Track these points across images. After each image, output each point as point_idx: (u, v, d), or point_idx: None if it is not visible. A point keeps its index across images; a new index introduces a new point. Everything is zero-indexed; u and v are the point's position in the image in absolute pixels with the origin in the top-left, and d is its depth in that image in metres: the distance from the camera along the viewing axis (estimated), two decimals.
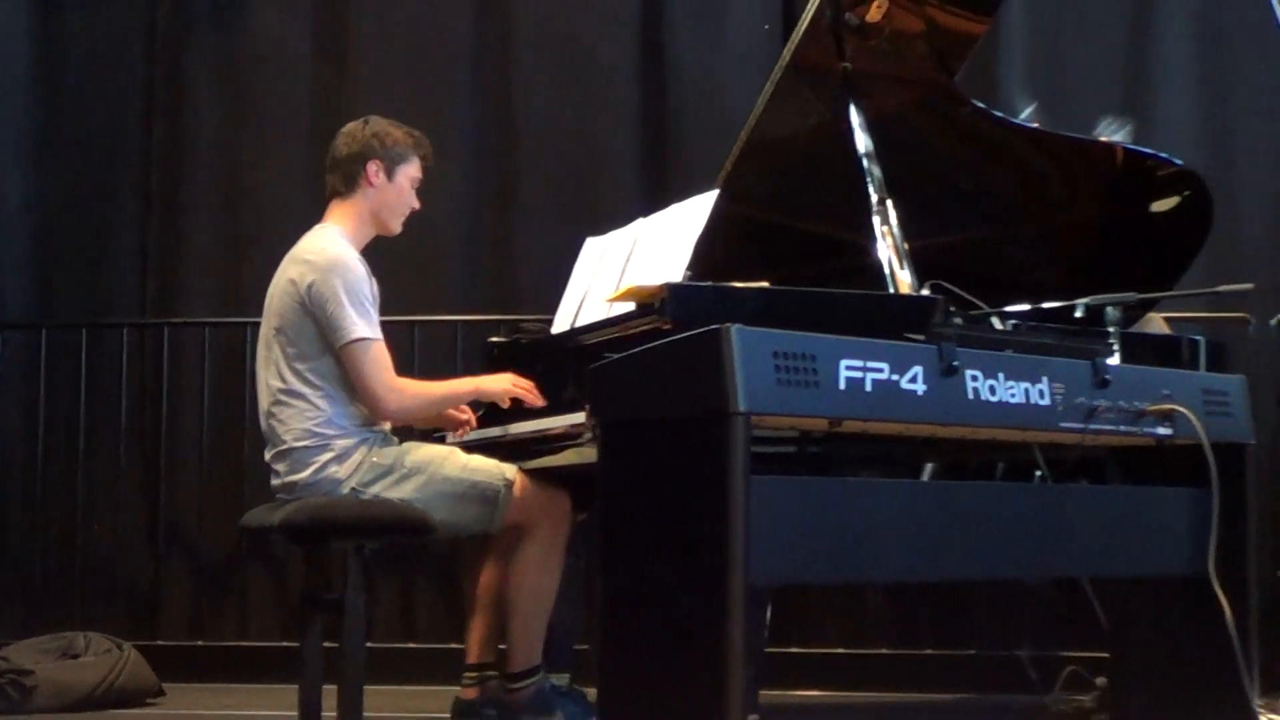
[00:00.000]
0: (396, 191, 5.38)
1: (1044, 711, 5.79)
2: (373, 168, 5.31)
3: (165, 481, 7.29)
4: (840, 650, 7.03)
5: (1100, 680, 5.54)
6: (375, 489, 5.11)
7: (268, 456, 5.23)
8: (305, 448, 5.12)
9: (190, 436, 7.28)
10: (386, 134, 5.36)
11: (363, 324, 5.10)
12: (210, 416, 7.25)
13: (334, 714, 5.05)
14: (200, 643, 7.14)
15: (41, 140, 7.50)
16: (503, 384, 5.23)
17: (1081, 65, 7.33)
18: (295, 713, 5.30)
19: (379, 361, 5.12)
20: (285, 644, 6.58)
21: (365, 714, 5.07)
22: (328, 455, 5.11)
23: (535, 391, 5.20)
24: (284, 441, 5.16)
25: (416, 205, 5.46)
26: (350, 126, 5.40)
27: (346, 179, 5.34)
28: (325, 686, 5.17)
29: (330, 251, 5.19)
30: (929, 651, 7.02)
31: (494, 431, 5.33)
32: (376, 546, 5.33)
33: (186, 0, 7.50)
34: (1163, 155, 5.65)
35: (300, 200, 6.82)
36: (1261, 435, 4.54)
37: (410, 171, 5.40)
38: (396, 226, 5.45)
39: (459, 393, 5.37)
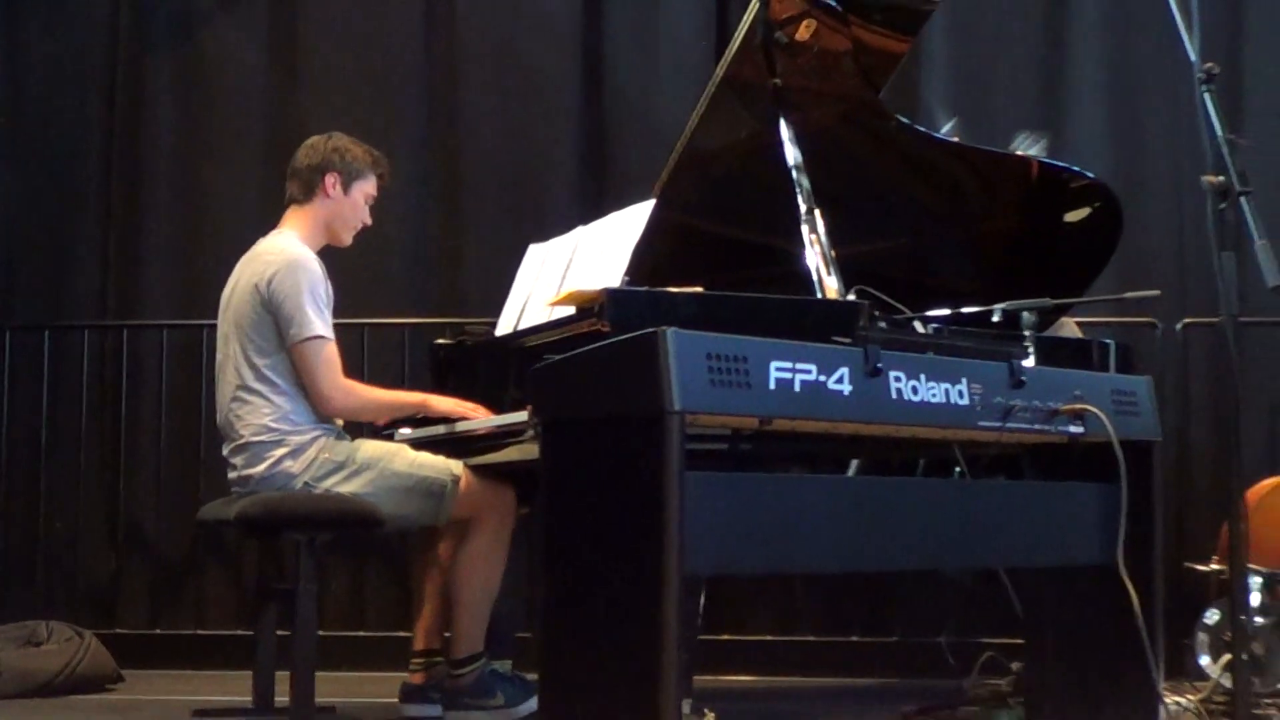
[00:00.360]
0: (351, 205, 5.44)
1: (962, 695, 5.82)
2: (330, 180, 5.38)
3: (125, 477, 7.23)
4: (770, 637, 7.05)
5: (1015, 665, 5.57)
6: (327, 483, 5.14)
7: (225, 450, 5.26)
8: (262, 442, 5.16)
9: (149, 434, 7.25)
10: (347, 150, 5.42)
11: (319, 323, 5.14)
12: (168, 415, 7.23)
13: (286, 699, 5.07)
14: (158, 631, 7.10)
15: (5, 147, 7.44)
16: (448, 404, 5.25)
17: (999, 83, 7.38)
18: (249, 698, 5.36)
19: (330, 361, 5.17)
20: (240, 632, 6.56)
21: (317, 699, 5.09)
22: (283, 450, 5.15)
23: (480, 412, 5.20)
24: (241, 436, 5.19)
25: (368, 221, 5.53)
26: (313, 139, 5.47)
27: (305, 187, 5.41)
28: (278, 672, 5.21)
29: (290, 252, 5.24)
30: (854, 638, 7.05)
31: (441, 429, 5.31)
32: (328, 538, 5.31)
33: (146, 15, 7.46)
34: (1075, 168, 5.68)
35: (253, 208, 6.88)
36: (1167, 433, 4.58)
37: (366, 188, 5.47)
38: (347, 239, 5.51)
39: (405, 403, 5.43)
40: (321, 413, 5.24)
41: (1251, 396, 6.89)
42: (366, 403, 5.37)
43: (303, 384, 5.19)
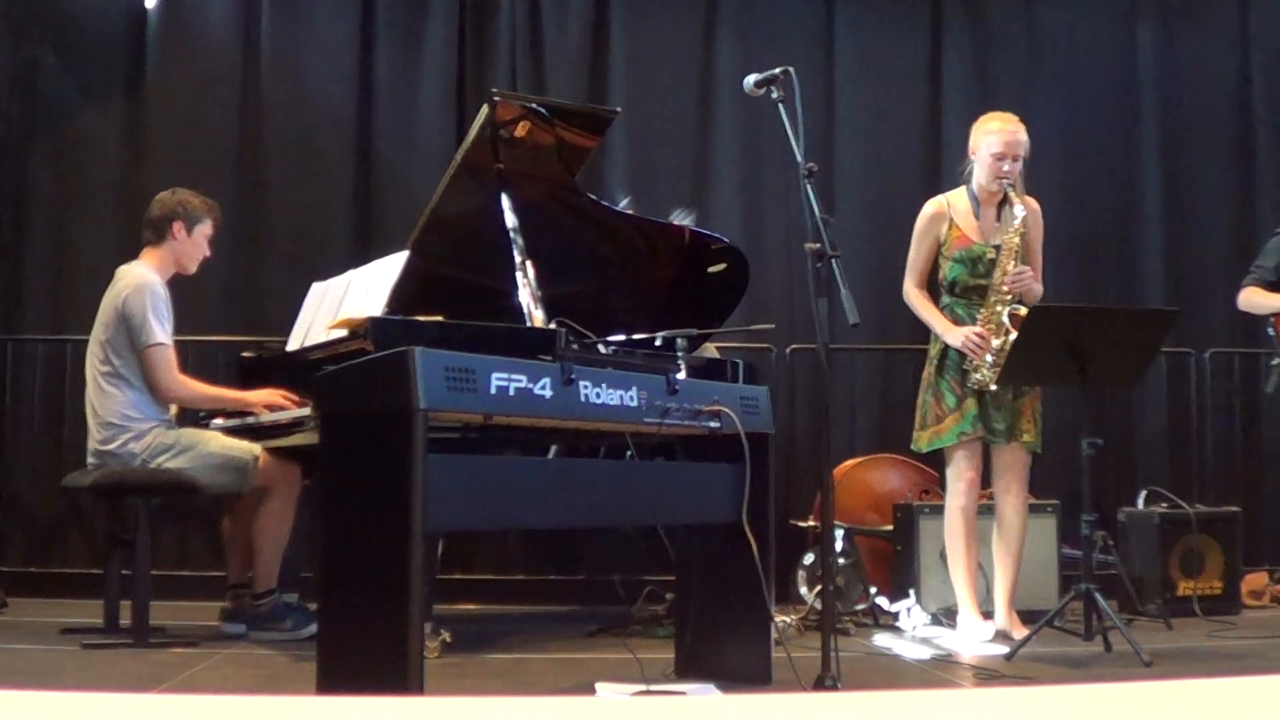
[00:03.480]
0: (194, 244, 5.52)
1: (630, 618, 5.86)
2: (177, 225, 5.45)
3: (6, 457, 7.08)
4: (490, 576, 7.04)
5: (669, 595, 5.63)
6: (159, 460, 5.23)
7: (90, 426, 5.31)
8: (114, 425, 5.23)
9: (25, 424, 7.10)
10: (189, 201, 5.50)
11: (161, 332, 5.24)
12: (40, 410, 7.07)
13: (129, 621, 5.14)
14: (33, 569, 6.92)
15: None
16: (263, 397, 5.32)
17: (661, 171, 7.46)
18: (101, 620, 5.37)
19: (169, 362, 5.27)
20: (94, 571, 6.34)
21: (150, 621, 5.14)
22: (129, 434, 5.23)
23: (287, 400, 5.25)
24: (100, 418, 5.26)
25: (209, 254, 5.60)
26: (162, 194, 5.53)
27: (158, 232, 5.47)
28: (122, 601, 5.28)
29: (142, 276, 5.31)
30: (552, 576, 7.08)
31: (250, 420, 5.39)
32: (160, 502, 5.41)
33: (30, 105, 7.25)
34: (716, 234, 5.76)
35: (109, 250, 6.72)
36: (778, 428, 4.65)
37: (205, 229, 5.54)
38: (192, 268, 5.59)
39: (229, 398, 5.47)
40: (163, 402, 5.31)
41: (837, 402, 7.08)
42: (197, 394, 5.43)
43: (148, 382, 5.27)
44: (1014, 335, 5.16)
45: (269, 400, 5.27)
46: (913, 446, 5.65)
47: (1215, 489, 7.33)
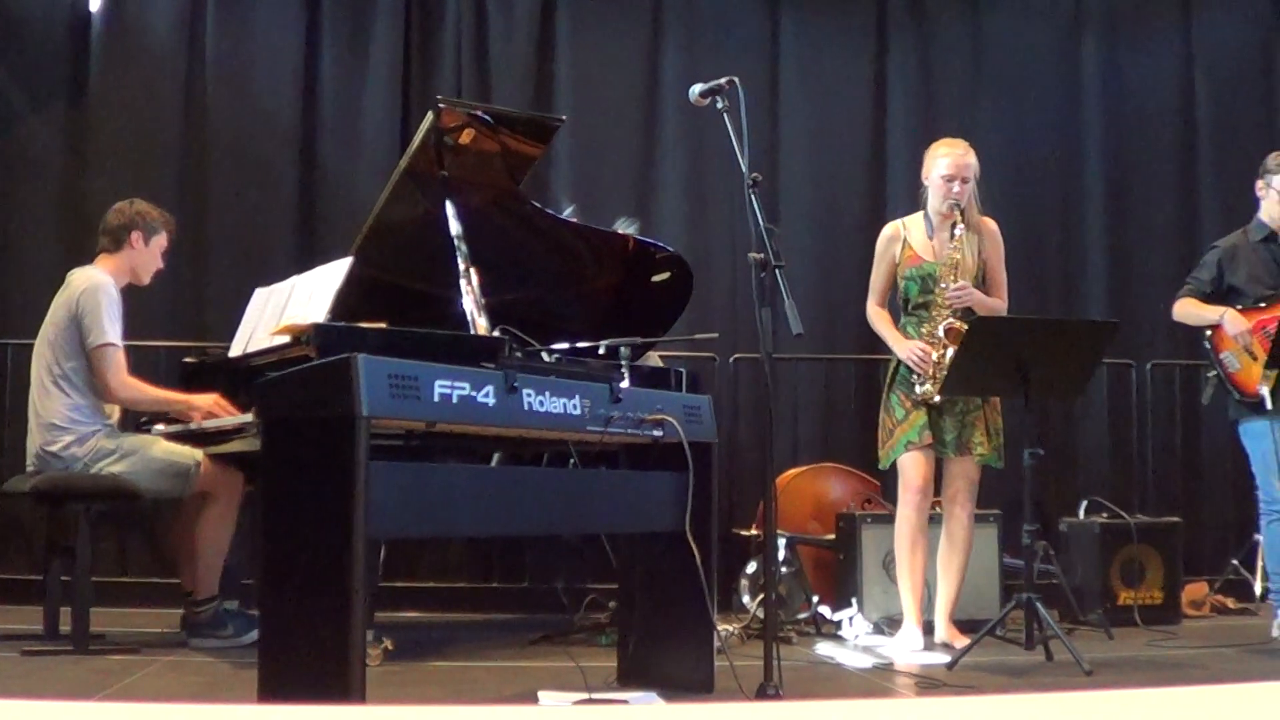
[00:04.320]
0: (150, 254, 5.56)
1: (573, 626, 5.88)
2: (135, 235, 5.49)
3: None
4: (433, 584, 7.03)
5: (612, 603, 5.65)
6: (101, 465, 5.21)
7: (31, 427, 5.29)
8: (57, 427, 5.21)
9: None
10: (147, 213, 5.54)
11: (111, 333, 5.24)
12: None
13: (69, 628, 5.10)
14: None
15: None
16: (205, 402, 5.30)
17: (606, 180, 7.51)
18: (41, 626, 5.35)
19: (118, 362, 5.26)
20: (34, 577, 6.28)
21: (91, 628, 5.10)
22: (71, 438, 5.21)
23: (230, 409, 5.25)
24: (43, 420, 5.24)
25: (162, 266, 5.63)
26: (120, 204, 5.55)
27: (115, 241, 5.49)
28: (63, 607, 5.26)
29: (96, 278, 5.32)
30: (495, 584, 7.09)
31: (193, 425, 5.35)
32: (101, 508, 5.36)
33: None
34: (660, 244, 5.76)
35: (52, 254, 6.76)
36: (721, 437, 4.68)
37: (161, 242, 5.59)
38: (146, 279, 5.62)
39: (173, 400, 5.43)
40: (109, 402, 5.31)
41: (780, 410, 7.12)
42: (143, 395, 5.40)
43: (93, 389, 5.26)
44: (951, 349, 5.30)
45: (208, 407, 5.26)
46: (880, 466, 5.72)
47: (1156, 499, 7.44)
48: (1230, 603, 6.95)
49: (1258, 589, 6.84)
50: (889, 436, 5.58)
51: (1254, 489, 5.88)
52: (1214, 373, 5.87)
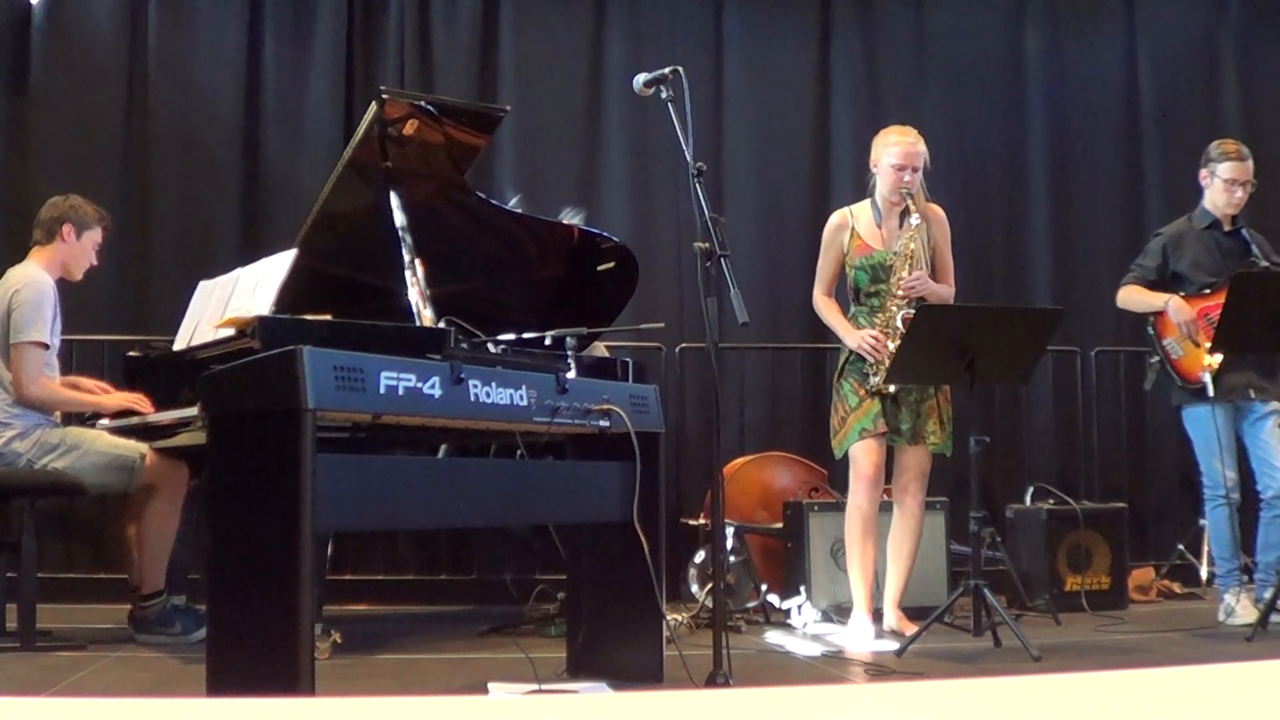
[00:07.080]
0: (82, 249, 5.53)
1: (522, 617, 5.91)
2: (67, 228, 5.47)
3: None
4: (381, 576, 7.06)
5: (560, 594, 5.67)
6: (45, 460, 5.19)
7: None
8: (0, 423, 5.19)
9: None
10: (81, 207, 5.53)
11: (36, 331, 5.20)
12: None
13: (15, 625, 5.08)
14: None
15: None
16: (116, 401, 5.38)
17: (551, 170, 7.53)
18: None
19: (35, 361, 5.21)
20: None
21: (37, 625, 5.11)
22: (12, 433, 5.20)
23: (144, 403, 5.31)
24: None
25: (95, 262, 5.62)
26: (55, 198, 5.55)
27: (47, 233, 5.48)
28: (8, 605, 5.18)
29: (32, 275, 5.31)
30: (443, 576, 7.11)
31: (134, 420, 5.35)
32: (47, 503, 5.44)
33: None
34: (605, 233, 5.80)
35: None
36: (668, 427, 4.71)
37: (94, 236, 5.57)
38: (78, 275, 5.59)
39: (83, 402, 5.47)
40: (20, 402, 5.23)
41: (727, 399, 7.18)
42: (51, 397, 5.34)
43: (11, 379, 5.21)
44: None
45: (117, 407, 5.31)
46: (836, 455, 5.75)
47: (1102, 486, 7.55)
48: (1177, 587, 7.06)
49: (1204, 574, 6.96)
50: (842, 424, 5.59)
51: (1198, 474, 5.99)
52: (1157, 359, 5.97)
